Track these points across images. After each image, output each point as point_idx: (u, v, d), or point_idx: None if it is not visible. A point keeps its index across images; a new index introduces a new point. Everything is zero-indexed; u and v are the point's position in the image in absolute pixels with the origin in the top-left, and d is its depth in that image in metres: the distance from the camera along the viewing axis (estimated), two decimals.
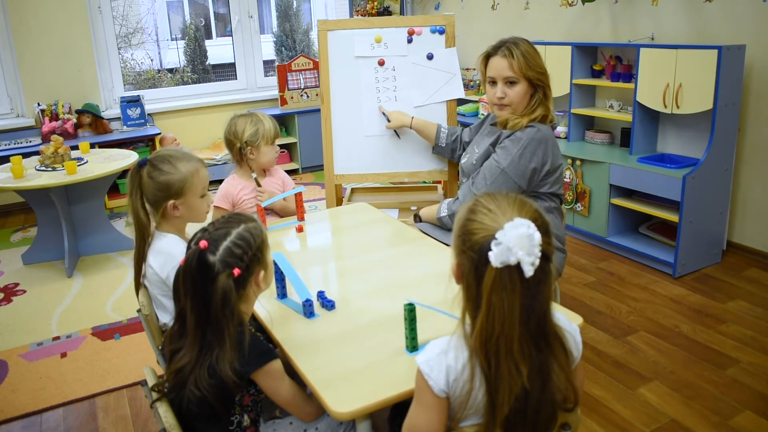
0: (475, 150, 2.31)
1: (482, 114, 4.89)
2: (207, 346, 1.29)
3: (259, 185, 2.44)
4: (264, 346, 1.34)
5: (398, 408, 1.42)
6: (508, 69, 2.12)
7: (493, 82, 2.18)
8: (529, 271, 1.00)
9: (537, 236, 1.01)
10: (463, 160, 2.38)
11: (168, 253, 1.69)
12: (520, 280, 1.01)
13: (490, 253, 1.00)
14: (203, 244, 1.29)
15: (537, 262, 1.01)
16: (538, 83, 2.14)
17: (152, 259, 1.71)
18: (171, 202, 1.73)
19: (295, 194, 2.27)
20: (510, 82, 2.14)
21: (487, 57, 2.20)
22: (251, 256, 1.33)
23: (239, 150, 2.41)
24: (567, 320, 1.18)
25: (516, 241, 0.99)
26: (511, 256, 0.99)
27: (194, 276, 1.28)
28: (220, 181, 2.50)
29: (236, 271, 1.29)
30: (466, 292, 1.08)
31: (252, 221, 1.39)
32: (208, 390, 1.26)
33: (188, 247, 1.34)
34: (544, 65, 2.16)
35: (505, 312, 1.01)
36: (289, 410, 1.40)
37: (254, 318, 1.60)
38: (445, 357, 1.09)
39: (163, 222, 1.77)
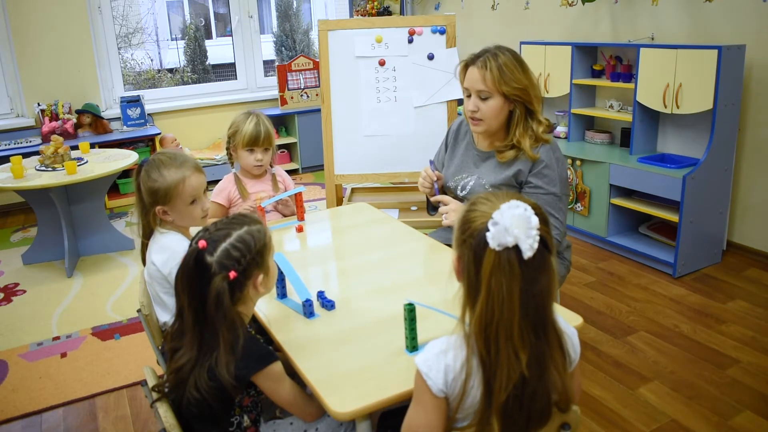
0: (481, 179, 2.12)
1: None
2: (205, 346, 1.29)
3: (239, 184, 2.42)
4: (263, 348, 1.34)
5: (388, 413, 1.42)
6: (480, 82, 1.96)
7: (469, 94, 2.03)
8: (527, 251, 1.00)
9: (534, 219, 1.01)
10: (462, 192, 2.15)
11: (171, 249, 1.70)
12: (519, 264, 1.01)
13: (488, 234, 1.01)
14: (202, 243, 1.29)
15: (535, 245, 1.01)
16: (515, 99, 1.97)
17: (155, 255, 1.72)
18: (159, 207, 1.74)
19: (295, 194, 2.27)
20: (483, 97, 1.98)
21: (466, 66, 2.03)
22: (250, 259, 1.32)
23: (227, 143, 2.43)
24: (566, 323, 1.18)
25: (512, 221, 1.00)
26: (509, 236, 1.00)
27: (191, 275, 1.28)
28: (218, 182, 2.49)
29: (232, 274, 1.28)
30: (466, 283, 1.08)
31: (256, 224, 1.38)
32: (207, 392, 1.26)
33: (190, 245, 1.34)
34: (527, 79, 1.98)
35: (504, 295, 1.01)
36: (291, 411, 1.39)
37: (254, 319, 1.60)
38: (444, 356, 1.09)
39: (162, 221, 1.78)
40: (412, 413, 1.14)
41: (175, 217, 1.76)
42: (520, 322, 1.03)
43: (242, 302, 1.34)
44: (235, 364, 1.27)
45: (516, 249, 1.01)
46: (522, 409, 1.05)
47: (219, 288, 1.26)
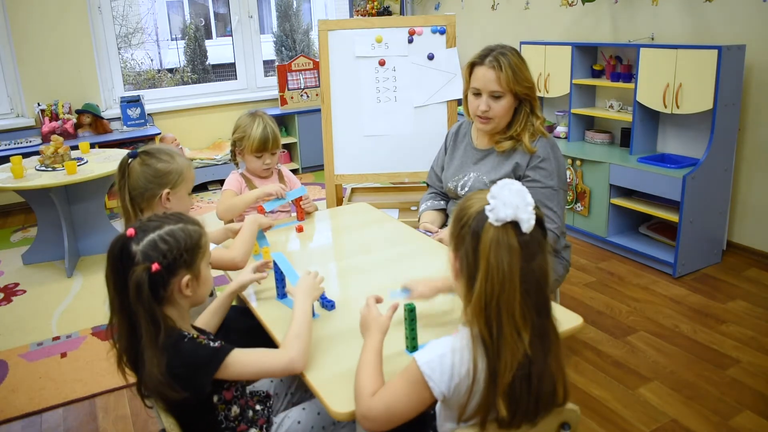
0: (480, 175, 2.15)
1: None
2: (133, 337, 1.23)
3: (249, 183, 2.39)
4: (206, 349, 1.25)
5: None
6: (494, 82, 1.99)
7: (478, 93, 2.05)
8: (526, 223, 1.02)
9: (529, 197, 1.04)
10: (462, 190, 2.19)
11: None
12: (518, 240, 1.03)
13: (487, 208, 1.03)
14: (130, 231, 1.24)
15: (533, 220, 1.03)
16: (524, 98, 2.04)
17: None
18: (166, 191, 1.70)
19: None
20: (495, 96, 2.02)
21: (473, 66, 2.06)
22: (177, 255, 1.24)
23: (233, 146, 2.39)
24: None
25: (510, 195, 1.03)
26: (507, 208, 1.02)
27: (115, 264, 1.23)
28: (219, 182, 2.48)
29: (154, 266, 1.21)
30: (465, 270, 1.08)
31: (194, 224, 1.32)
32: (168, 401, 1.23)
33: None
34: (532, 77, 2.06)
35: (504, 271, 1.02)
36: (271, 376, 1.35)
37: (254, 318, 1.60)
38: (450, 357, 1.08)
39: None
40: (397, 396, 1.11)
41: (175, 205, 1.72)
42: (521, 300, 1.03)
43: (169, 304, 1.27)
44: (184, 374, 1.22)
45: (514, 226, 1.03)
46: (531, 391, 1.05)
47: (139, 278, 1.19)
